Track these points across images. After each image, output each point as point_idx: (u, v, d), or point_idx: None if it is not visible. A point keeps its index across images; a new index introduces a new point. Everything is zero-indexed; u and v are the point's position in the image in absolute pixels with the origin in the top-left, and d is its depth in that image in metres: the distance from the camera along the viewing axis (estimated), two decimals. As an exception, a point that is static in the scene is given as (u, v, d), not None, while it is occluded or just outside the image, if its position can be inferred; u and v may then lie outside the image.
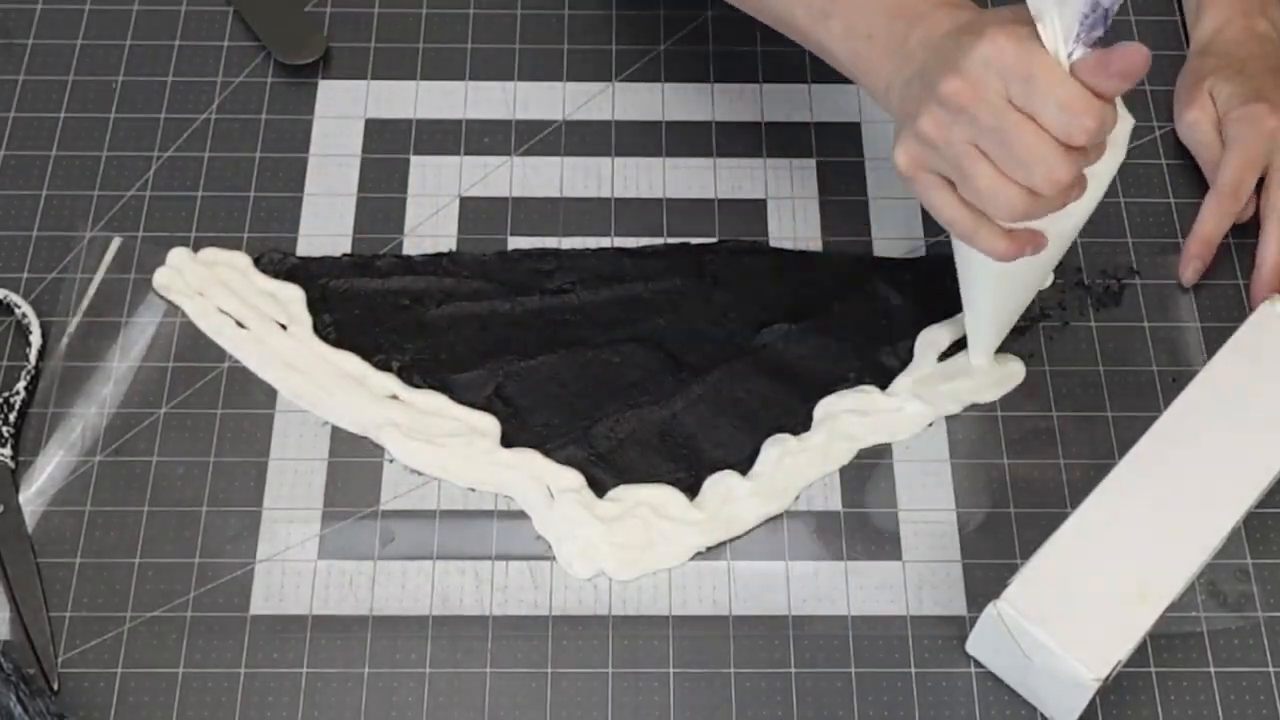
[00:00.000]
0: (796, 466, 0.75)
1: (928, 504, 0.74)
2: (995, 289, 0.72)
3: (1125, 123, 0.65)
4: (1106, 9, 0.57)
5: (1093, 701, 0.68)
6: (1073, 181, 0.60)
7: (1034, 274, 0.72)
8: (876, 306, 0.80)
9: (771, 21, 0.73)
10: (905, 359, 0.78)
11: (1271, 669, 0.70)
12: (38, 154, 0.84)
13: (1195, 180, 0.84)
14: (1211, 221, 0.79)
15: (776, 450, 0.75)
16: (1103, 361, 0.79)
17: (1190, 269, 0.80)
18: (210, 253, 0.80)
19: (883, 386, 0.77)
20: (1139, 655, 0.70)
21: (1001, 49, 0.59)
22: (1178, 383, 0.75)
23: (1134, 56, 0.58)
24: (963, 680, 0.70)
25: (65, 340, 0.77)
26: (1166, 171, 0.85)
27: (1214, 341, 0.78)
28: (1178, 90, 0.85)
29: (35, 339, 0.76)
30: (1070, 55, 0.58)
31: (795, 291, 0.80)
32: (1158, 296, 0.81)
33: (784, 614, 0.71)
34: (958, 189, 0.63)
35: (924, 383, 0.77)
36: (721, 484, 0.74)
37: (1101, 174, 0.65)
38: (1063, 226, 0.66)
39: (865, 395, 0.77)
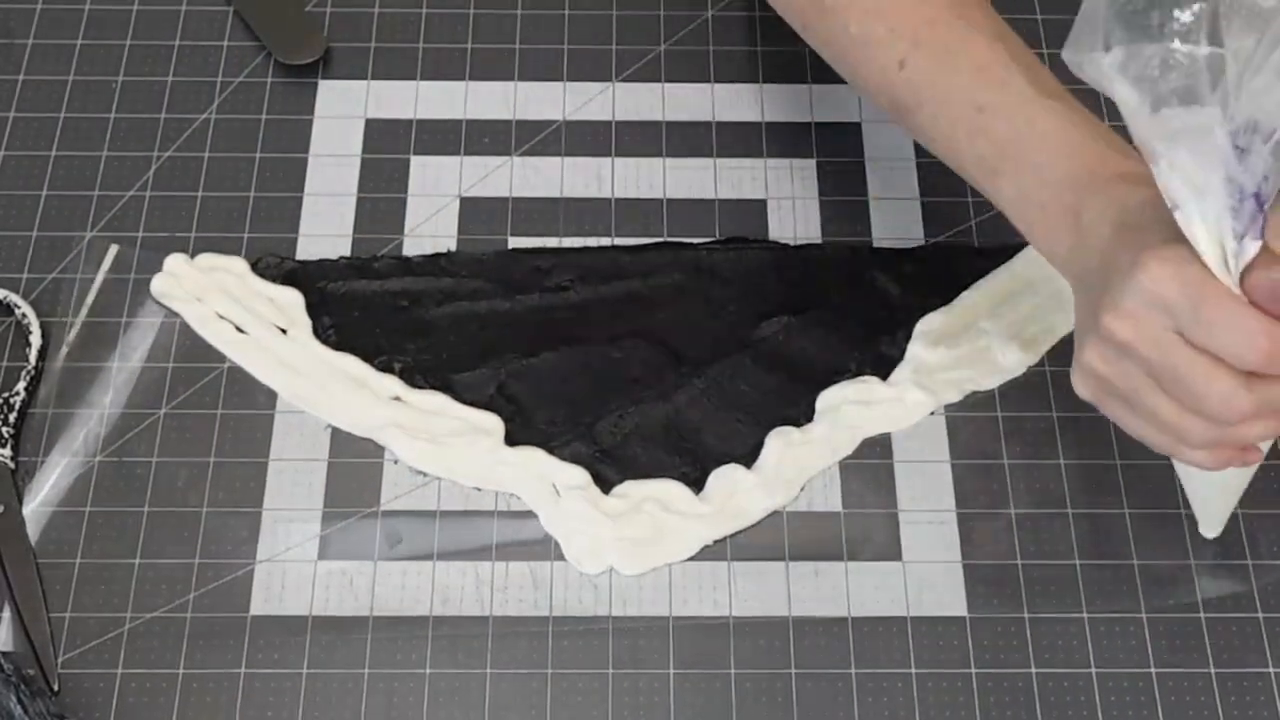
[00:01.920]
0: (800, 458, 0.75)
1: (928, 504, 0.74)
2: (1218, 480, 0.67)
3: None
4: (1256, 194, 0.52)
5: (1091, 702, 0.68)
6: (1258, 410, 0.55)
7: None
8: (876, 297, 0.80)
9: (942, 158, 0.68)
10: (905, 349, 0.78)
11: (1271, 669, 0.70)
12: (38, 154, 0.84)
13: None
14: None
15: (780, 442, 0.75)
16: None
17: None
18: (207, 258, 0.80)
19: (884, 376, 0.77)
20: (1139, 655, 0.70)
21: (1160, 282, 0.54)
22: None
23: None
24: (963, 680, 0.70)
25: (65, 341, 0.77)
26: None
27: (1214, 341, 0.78)
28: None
29: (35, 339, 0.76)
30: (1240, 251, 0.53)
31: (794, 284, 0.80)
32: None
33: (784, 614, 0.71)
34: (1142, 421, 0.59)
35: (924, 371, 0.77)
36: (727, 477, 0.74)
37: None
38: None
39: (866, 385, 0.77)
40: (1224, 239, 0.54)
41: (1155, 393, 0.57)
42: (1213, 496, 0.70)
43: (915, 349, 0.78)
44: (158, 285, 0.79)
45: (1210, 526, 0.73)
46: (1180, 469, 0.70)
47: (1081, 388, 0.60)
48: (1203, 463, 0.59)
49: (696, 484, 0.74)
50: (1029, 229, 0.64)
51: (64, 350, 0.77)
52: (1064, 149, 0.61)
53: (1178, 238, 0.54)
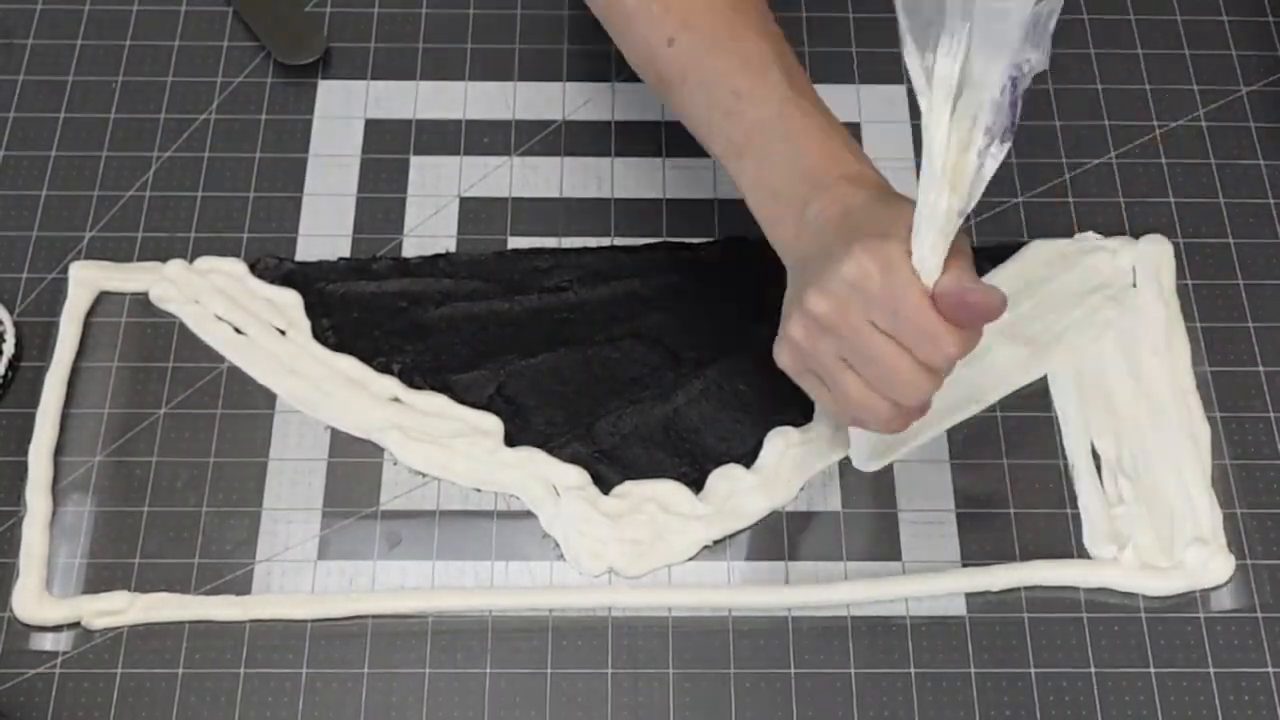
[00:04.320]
0: (800, 458, 0.75)
1: (928, 504, 0.74)
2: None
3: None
4: (1015, 81, 0.57)
5: (1091, 702, 0.68)
6: (935, 390, 0.62)
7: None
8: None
9: (693, 133, 0.72)
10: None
11: (1271, 669, 0.70)
12: (38, 154, 0.84)
13: (1184, 183, 0.84)
14: None
15: (780, 442, 0.75)
16: (1103, 361, 0.79)
17: None
18: (206, 261, 0.80)
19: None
20: (1138, 655, 0.70)
21: (866, 273, 0.60)
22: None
23: (992, 301, 0.59)
24: (963, 680, 0.70)
25: (65, 341, 0.77)
26: (1166, 170, 0.85)
27: (1211, 340, 0.78)
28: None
29: (8, 348, 0.76)
30: (985, 147, 0.58)
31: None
32: (1158, 296, 0.81)
33: (784, 614, 0.71)
34: (830, 393, 0.65)
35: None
36: (726, 477, 0.74)
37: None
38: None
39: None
40: (974, 139, 0.57)
41: (845, 372, 0.63)
42: (874, 439, 0.73)
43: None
44: (157, 291, 0.79)
45: (865, 461, 0.75)
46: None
47: (782, 357, 0.66)
48: (880, 430, 0.65)
49: (696, 484, 0.74)
50: (760, 211, 0.68)
51: (63, 348, 0.77)
52: (804, 144, 0.66)
53: (889, 234, 0.60)
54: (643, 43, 0.71)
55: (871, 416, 0.64)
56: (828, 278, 0.61)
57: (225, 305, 0.79)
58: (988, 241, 0.82)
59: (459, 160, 0.85)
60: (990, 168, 0.58)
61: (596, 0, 0.74)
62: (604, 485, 0.74)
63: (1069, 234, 0.82)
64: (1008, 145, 0.58)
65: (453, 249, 0.81)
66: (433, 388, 0.77)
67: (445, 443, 0.75)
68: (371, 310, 0.79)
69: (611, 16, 0.73)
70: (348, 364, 0.77)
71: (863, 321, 0.61)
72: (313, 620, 0.71)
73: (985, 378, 0.77)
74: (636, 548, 0.72)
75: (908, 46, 0.58)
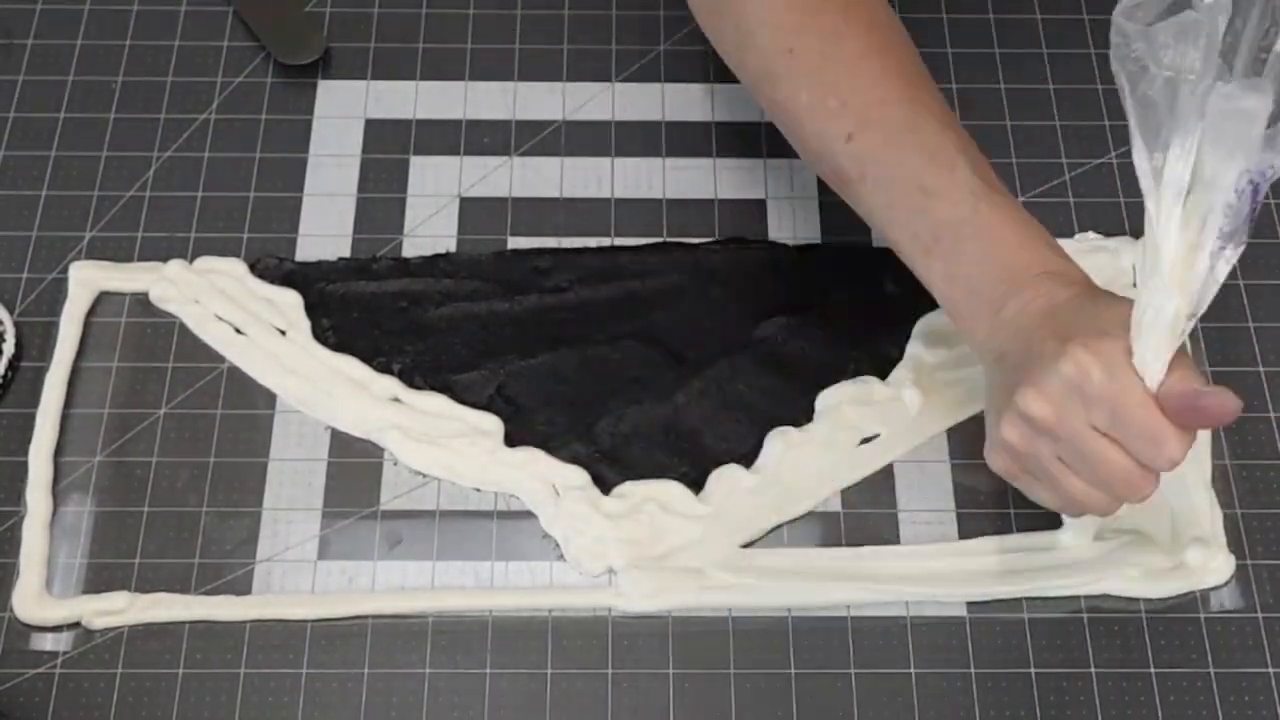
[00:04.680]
0: (800, 458, 0.75)
1: (928, 504, 0.74)
2: None
3: None
4: (1256, 186, 0.54)
5: (1091, 702, 0.68)
6: (1156, 489, 0.60)
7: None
8: (875, 297, 0.80)
9: (875, 228, 0.70)
10: (904, 348, 0.78)
11: (1271, 669, 0.70)
12: (38, 154, 0.84)
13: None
14: None
15: (780, 442, 0.75)
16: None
17: None
18: (206, 261, 0.80)
19: (883, 376, 0.77)
20: (1138, 655, 0.70)
21: (1085, 371, 0.57)
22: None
23: (1226, 404, 0.56)
24: (962, 680, 0.70)
25: (65, 341, 0.77)
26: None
27: (1212, 344, 0.78)
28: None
29: (8, 348, 0.76)
30: (1219, 250, 0.56)
31: (794, 284, 0.80)
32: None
33: (784, 615, 0.71)
34: (1049, 493, 0.62)
35: (924, 371, 0.77)
36: (726, 478, 0.74)
37: None
38: None
39: (866, 385, 0.77)
40: (1205, 241, 0.55)
41: (1065, 473, 0.60)
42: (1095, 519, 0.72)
43: (915, 349, 0.78)
44: (157, 291, 0.79)
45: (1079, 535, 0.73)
46: None
47: (996, 461, 0.63)
48: (1098, 515, 0.63)
49: (696, 484, 0.74)
50: (953, 308, 0.66)
51: (63, 348, 0.77)
52: (1000, 240, 0.64)
53: (1107, 331, 0.58)
54: (817, 140, 0.69)
55: (1093, 509, 0.61)
56: (1043, 377, 0.58)
57: (225, 305, 0.79)
58: (988, 241, 0.82)
59: (459, 160, 0.85)
60: (1223, 271, 0.56)
61: (765, 93, 0.71)
62: (604, 485, 0.74)
63: (1069, 234, 0.82)
64: (1241, 249, 0.56)
65: (453, 249, 0.81)
66: (433, 388, 0.77)
67: (445, 443, 0.75)
68: (371, 310, 0.79)
69: (783, 114, 0.70)
70: (348, 364, 0.77)
71: (1083, 424, 0.58)
72: (313, 620, 0.71)
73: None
74: (636, 548, 0.72)
75: (1136, 145, 0.56)
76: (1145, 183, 0.56)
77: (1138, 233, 0.82)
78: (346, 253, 0.81)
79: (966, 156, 0.66)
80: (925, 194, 0.65)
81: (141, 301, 0.79)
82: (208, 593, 0.71)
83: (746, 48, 0.71)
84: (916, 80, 0.68)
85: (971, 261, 0.64)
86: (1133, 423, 0.57)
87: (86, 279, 0.79)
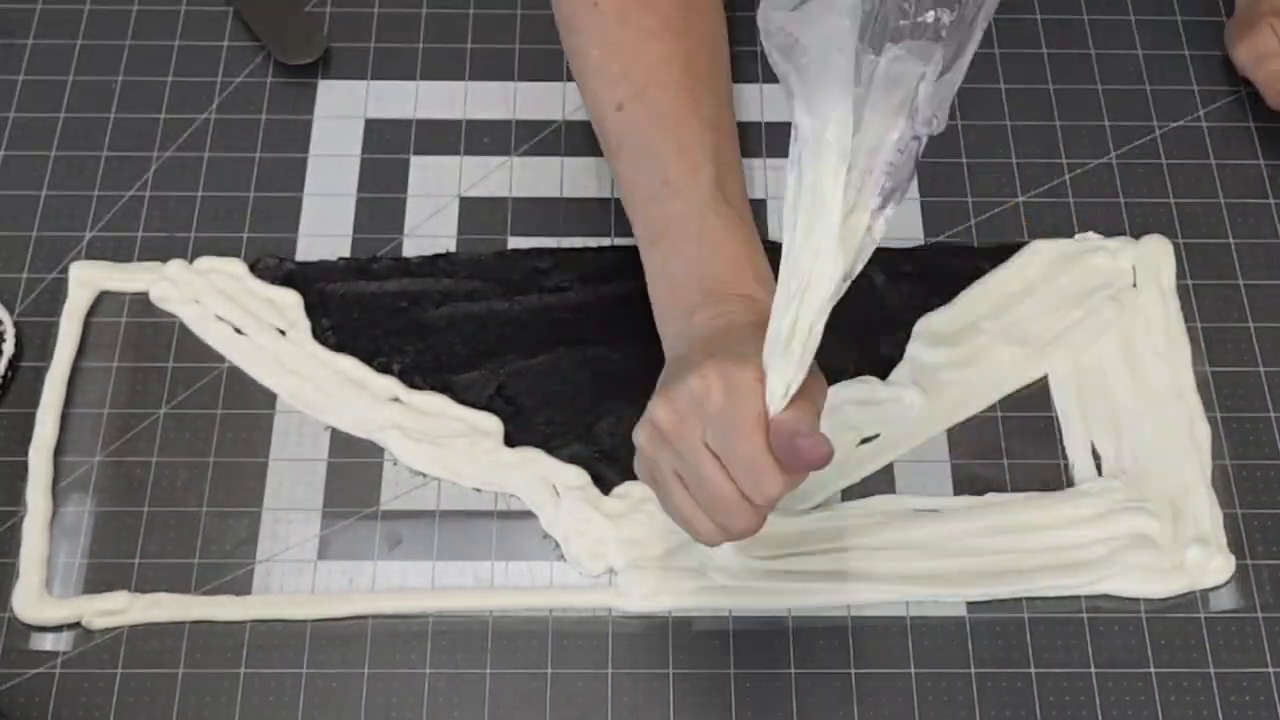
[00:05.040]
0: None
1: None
2: None
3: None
4: (918, 137, 0.55)
5: (1091, 702, 0.68)
6: (759, 524, 0.59)
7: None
8: (876, 297, 0.80)
9: (622, 202, 0.71)
10: (904, 348, 0.78)
11: (1271, 669, 0.70)
12: (38, 154, 0.84)
13: (1184, 183, 0.84)
14: None
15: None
16: (1103, 361, 0.78)
17: None
18: (206, 261, 0.80)
19: (882, 376, 0.77)
20: (1138, 655, 0.70)
21: (709, 390, 0.58)
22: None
23: (819, 450, 0.56)
24: (962, 680, 0.70)
25: (65, 341, 0.77)
26: (1166, 170, 0.85)
27: (1212, 341, 0.78)
28: (1236, 25, 0.86)
29: (8, 348, 0.76)
30: (879, 208, 0.56)
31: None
32: (1158, 296, 0.81)
33: (784, 614, 0.71)
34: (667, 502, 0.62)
35: (924, 371, 0.77)
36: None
37: None
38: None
39: (866, 386, 0.77)
40: (864, 201, 0.55)
41: (677, 485, 0.60)
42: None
43: (915, 349, 0.78)
44: (157, 291, 0.79)
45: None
46: None
47: (637, 458, 0.62)
48: (703, 542, 0.61)
49: (696, 484, 0.74)
50: (655, 300, 0.67)
51: (62, 348, 0.77)
52: (713, 251, 0.65)
53: (748, 359, 0.57)
54: (593, 100, 0.70)
55: (698, 532, 0.60)
56: (675, 388, 0.59)
57: (225, 305, 0.79)
58: (988, 242, 0.82)
59: (459, 160, 0.85)
60: (880, 229, 0.56)
61: (566, 40, 0.73)
62: (604, 485, 0.74)
63: (1069, 234, 0.82)
64: (900, 204, 0.56)
65: (453, 249, 0.81)
66: (433, 388, 0.77)
67: (445, 443, 0.75)
68: (371, 310, 0.79)
69: (575, 65, 0.72)
70: (348, 364, 0.77)
71: (698, 439, 0.58)
72: (313, 620, 0.71)
73: (985, 378, 0.77)
74: (636, 548, 0.72)
75: (797, 114, 0.55)
76: (804, 151, 0.55)
77: (1138, 232, 0.82)
78: (346, 253, 0.81)
79: (716, 164, 0.66)
80: (666, 185, 0.66)
81: (141, 301, 0.79)
82: (208, 593, 0.71)
83: None
84: (701, 75, 0.69)
85: (683, 263, 0.65)
86: (738, 448, 0.57)
87: (86, 279, 0.79)
